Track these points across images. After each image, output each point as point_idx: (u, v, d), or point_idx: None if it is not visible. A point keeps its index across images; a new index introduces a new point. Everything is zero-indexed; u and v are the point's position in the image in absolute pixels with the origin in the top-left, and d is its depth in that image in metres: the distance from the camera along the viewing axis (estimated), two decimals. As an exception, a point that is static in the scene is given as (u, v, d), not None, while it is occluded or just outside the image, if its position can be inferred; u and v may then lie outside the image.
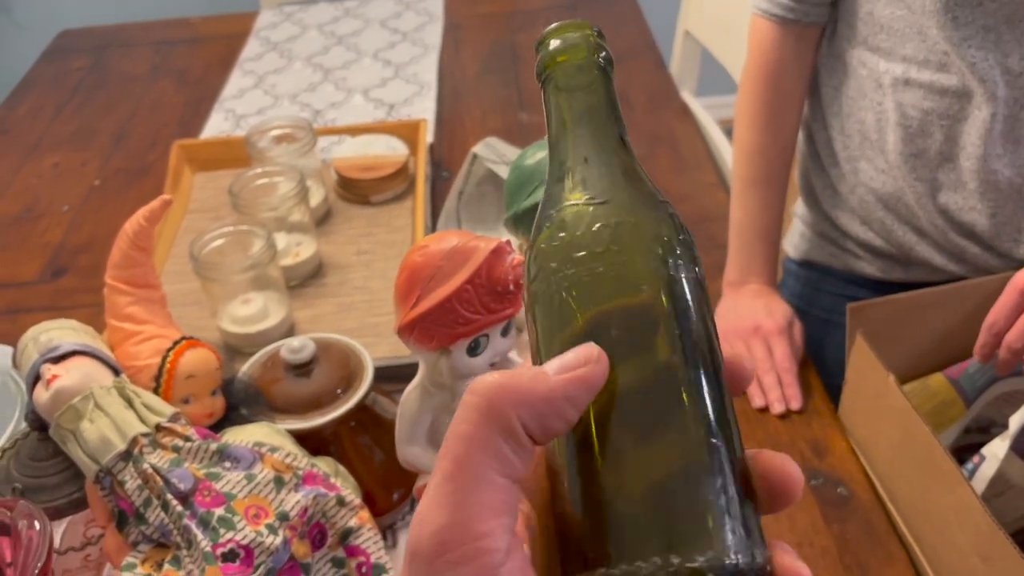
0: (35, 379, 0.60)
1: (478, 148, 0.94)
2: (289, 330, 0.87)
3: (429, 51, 1.43)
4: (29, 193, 1.18)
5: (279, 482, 0.58)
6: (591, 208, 0.29)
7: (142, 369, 0.66)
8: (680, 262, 0.28)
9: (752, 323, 0.86)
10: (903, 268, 0.93)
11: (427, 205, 1.02)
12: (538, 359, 0.28)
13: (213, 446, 0.58)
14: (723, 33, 1.37)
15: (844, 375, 0.76)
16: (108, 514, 0.57)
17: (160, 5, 1.98)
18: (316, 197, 1.02)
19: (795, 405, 0.80)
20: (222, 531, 0.54)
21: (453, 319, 0.51)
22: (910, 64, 0.80)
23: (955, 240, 0.86)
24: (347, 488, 0.61)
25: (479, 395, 0.25)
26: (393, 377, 0.73)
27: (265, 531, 0.55)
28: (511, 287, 0.51)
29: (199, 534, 0.54)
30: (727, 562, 0.24)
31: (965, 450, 0.75)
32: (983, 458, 0.69)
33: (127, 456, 0.56)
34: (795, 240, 1.04)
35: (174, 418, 0.59)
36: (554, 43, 0.32)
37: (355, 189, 1.05)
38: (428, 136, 1.13)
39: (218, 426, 0.66)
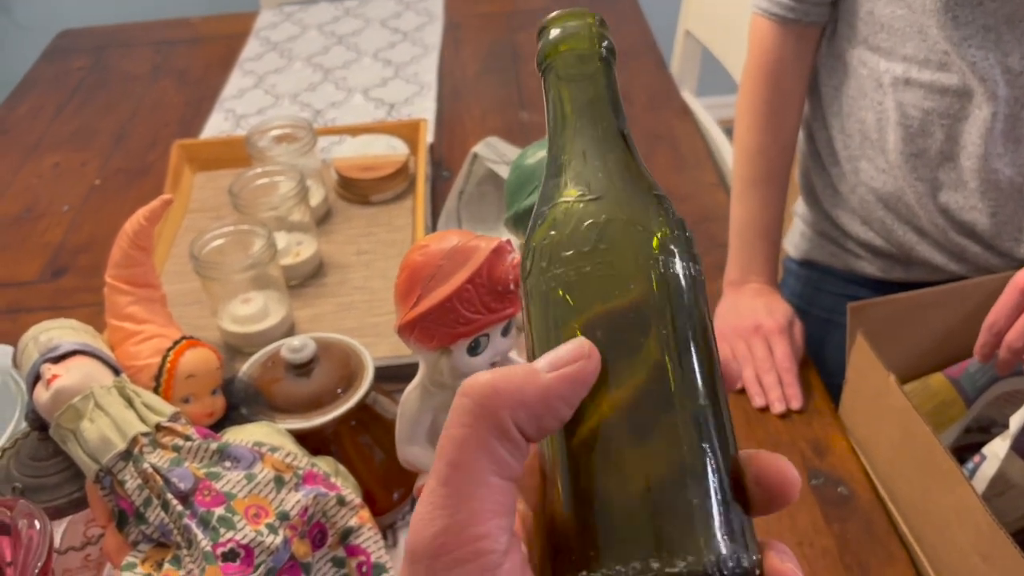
0: (35, 379, 0.60)
1: (478, 148, 0.94)
2: (289, 330, 0.87)
3: (429, 51, 1.43)
4: (29, 193, 1.18)
5: (279, 482, 0.58)
6: (582, 205, 0.28)
7: (142, 369, 0.66)
8: (673, 260, 0.27)
9: (753, 322, 0.86)
10: (903, 268, 0.93)
11: (427, 205, 1.02)
12: (532, 355, 0.28)
13: (213, 445, 0.58)
14: (723, 33, 1.37)
15: (844, 375, 0.76)
16: (108, 514, 0.57)
17: (160, 5, 1.98)
18: (316, 197, 1.02)
19: (795, 405, 0.80)
20: (222, 531, 0.54)
21: (453, 319, 0.51)
22: (910, 63, 0.80)
23: (956, 239, 0.86)
24: (347, 487, 0.61)
25: (471, 397, 0.25)
26: (393, 377, 0.73)
27: (265, 531, 0.55)
28: (511, 287, 0.51)
29: (199, 534, 0.54)
30: (709, 568, 0.24)
31: (966, 450, 0.75)
32: (984, 458, 0.68)
33: (127, 456, 0.56)
34: (795, 239, 1.04)
35: (174, 418, 0.59)
36: (555, 31, 0.31)
37: (355, 189, 1.05)
38: (428, 136, 1.13)
39: (218, 426, 0.66)
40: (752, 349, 0.84)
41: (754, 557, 0.25)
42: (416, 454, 0.58)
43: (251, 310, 0.84)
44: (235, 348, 0.85)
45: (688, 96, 1.37)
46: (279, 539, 0.55)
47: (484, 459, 0.24)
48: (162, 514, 0.55)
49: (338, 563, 0.60)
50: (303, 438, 0.64)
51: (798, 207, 1.03)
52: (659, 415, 0.25)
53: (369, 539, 0.60)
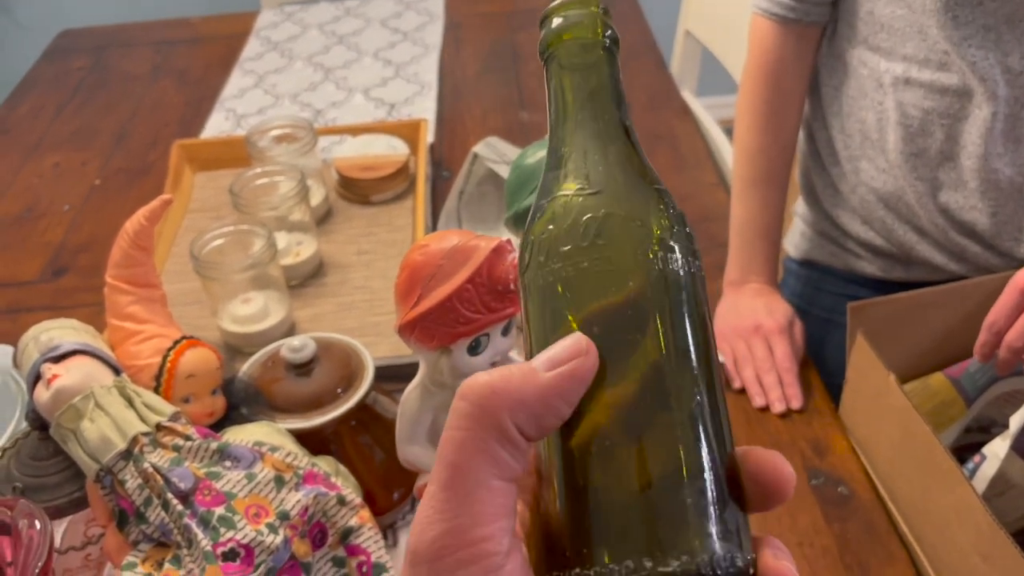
0: (36, 378, 0.60)
1: (479, 147, 0.94)
2: (289, 329, 0.87)
3: (430, 50, 1.43)
4: (30, 193, 1.18)
5: (279, 481, 0.58)
6: (581, 199, 0.28)
7: (143, 368, 0.66)
8: (671, 256, 0.27)
9: (753, 322, 0.86)
10: (904, 267, 0.93)
11: (428, 205, 1.02)
12: (530, 350, 0.28)
13: (213, 445, 0.58)
14: (723, 33, 1.37)
15: (844, 375, 0.76)
16: (109, 513, 0.57)
17: (160, 5, 1.98)
18: (317, 197, 1.02)
19: (796, 404, 0.80)
20: (222, 530, 0.54)
21: (454, 318, 0.51)
22: (910, 63, 0.80)
23: (956, 239, 0.86)
24: (348, 487, 0.61)
25: (469, 400, 0.24)
26: (394, 376, 0.73)
27: (265, 530, 0.55)
28: (512, 286, 0.51)
29: (199, 533, 0.54)
30: (702, 568, 0.24)
31: (966, 449, 0.75)
32: (984, 457, 0.68)
33: (127, 455, 0.56)
34: (796, 239, 1.04)
35: (174, 417, 0.59)
36: (558, 19, 0.31)
37: (356, 189, 1.05)
38: (429, 136, 1.13)
39: (218, 425, 0.66)
40: (752, 349, 0.84)
41: (748, 556, 0.25)
42: (416, 454, 0.58)
43: (251, 310, 0.84)
44: (235, 348, 0.85)
45: (688, 96, 1.37)
46: (279, 539, 0.55)
47: (485, 462, 0.24)
48: (162, 514, 0.55)
49: (338, 563, 0.60)
50: (303, 438, 0.64)
51: (798, 207, 1.03)
52: (654, 413, 0.25)
53: (369, 539, 0.60)
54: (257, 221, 0.85)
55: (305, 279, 0.94)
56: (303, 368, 0.67)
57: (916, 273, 0.92)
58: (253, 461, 0.58)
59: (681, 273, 0.27)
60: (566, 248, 0.27)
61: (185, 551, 0.55)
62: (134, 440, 0.56)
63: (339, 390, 0.67)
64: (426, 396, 0.55)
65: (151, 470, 0.55)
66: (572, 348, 0.25)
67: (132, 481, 0.55)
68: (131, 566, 0.55)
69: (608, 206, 0.27)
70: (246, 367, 0.70)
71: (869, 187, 0.89)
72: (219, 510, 0.55)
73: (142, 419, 0.57)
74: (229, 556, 0.53)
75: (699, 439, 0.25)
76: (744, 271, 0.91)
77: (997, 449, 0.67)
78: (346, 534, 0.60)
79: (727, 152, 1.25)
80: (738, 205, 0.93)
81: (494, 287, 0.51)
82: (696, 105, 1.36)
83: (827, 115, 0.92)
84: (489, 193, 0.96)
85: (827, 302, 0.98)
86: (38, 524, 0.51)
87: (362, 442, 0.68)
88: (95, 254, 1.04)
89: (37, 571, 0.49)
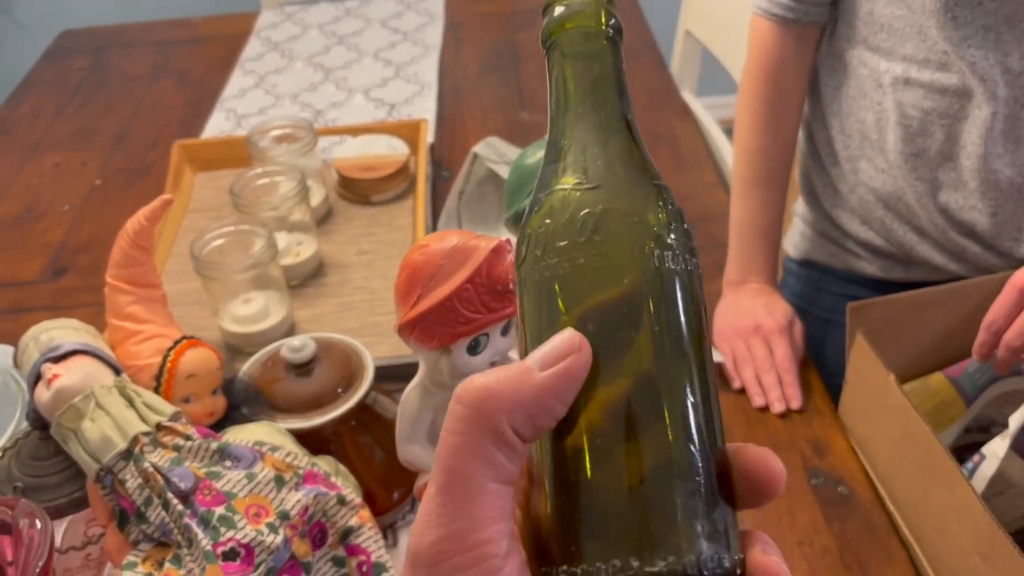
0: (36, 378, 0.60)
1: (479, 148, 0.94)
2: (290, 329, 0.87)
3: (430, 51, 1.43)
4: (30, 193, 1.18)
5: (280, 481, 0.58)
6: (579, 193, 0.27)
7: (143, 368, 0.66)
8: (668, 253, 0.27)
9: (752, 322, 0.86)
10: (903, 267, 0.93)
11: (428, 205, 1.02)
12: (524, 345, 0.28)
13: (214, 445, 0.58)
14: (723, 33, 1.37)
15: (844, 375, 0.76)
16: (109, 513, 0.57)
17: (161, 5, 1.99)
18: (317, 197, 1.02)
19: (795, 404, 0.80)
20: (223, 530, 0.54)
21: (453, 318, 0.51)
22: (910, 63, 0.80)
23: (955, 239, 0.86)
24: (348, 487, 0.61)
25: (466, 404, 0.24)
26: (394, 376, 0.73)
27: (266, 530, 0.55)
28: (511, 286, 0.51)
29: (200, 533, 0.54)
30: (689, 568, 0.23)
31: (965, 449, 0.75)
32: (983, 457, 0.69)
33: (128, 455, 0.56)
34: (795, 239, 1.04)
35: (175, 417, 0.59)
36: (561, 8, 0.30)
37: (356, 189, 1.05)
38: (429, 136, 1.13)
39: (219, 425, 0.66)
40: (752, 349, 0.84)
41: (736, 556, 0.25)
42: (416, 453, 0.58)
43: (251, 310, 0.84)
44: (235, 348, 0.85)
45: (688, 96, 1.37)
46: (279, 538, 0.55)
47: (482, 466, 0.24)
48: (163, 513, 0.55)
49: (338, 562, 0.60)
50: (303, 438, 0.64)
51: (798, 207, 1.03)
52: (645, 412, 0.25)
53: (369, 539, 0.60)
54: (257, 221, 0.85)
55: (305, 279, 0.94)
56: (303, 368, 0.67)
57: (916, 273, 0.92)
58: (253, 461, 0.58)
59: (678, 271, 0.27)
60: (563, 243, 0.27)
61: (185, 551, 0.55)
62: (134, 440, 0.56)
63: (339, 390, 0.67)
64: (426, 396, 0.55)
65: (151, 470, 0.55)
66: (565, 345, 0.25)
67: (132, 481, 0.55)
68: (131, 566, 0.55)
69: (606, 202, 0.27)
70: (246, 367, 0.70)
71: (869, 187, 0.89)
72: (219, 510, 0.55)
73: (142, 419, 0.57)
74: (229, 556, 0.54)
75: (690, 439, 0.25)
76: (744, 271, 0.91)
77: (996, 449, 0.67)
78: (346, 534, 0.60)
79: (727, 152, 1.25)
80: (738, 205, 0.93)
81: (494, 287, 0.51)
82: (696, 105, 1.36)
83: (827, 115, 0.92)
84: (489, 193, 0.96)
85: (827, 302, 0.98)
86: (39, 524, 0.51)
87: (362, 442, 0.68)
88: (95, 254, 1.04)
89: (38, 571, 0.49)
